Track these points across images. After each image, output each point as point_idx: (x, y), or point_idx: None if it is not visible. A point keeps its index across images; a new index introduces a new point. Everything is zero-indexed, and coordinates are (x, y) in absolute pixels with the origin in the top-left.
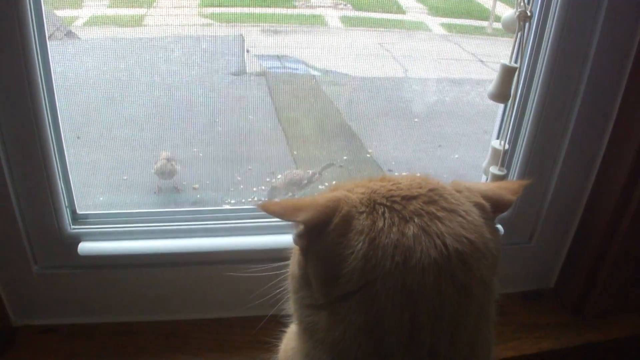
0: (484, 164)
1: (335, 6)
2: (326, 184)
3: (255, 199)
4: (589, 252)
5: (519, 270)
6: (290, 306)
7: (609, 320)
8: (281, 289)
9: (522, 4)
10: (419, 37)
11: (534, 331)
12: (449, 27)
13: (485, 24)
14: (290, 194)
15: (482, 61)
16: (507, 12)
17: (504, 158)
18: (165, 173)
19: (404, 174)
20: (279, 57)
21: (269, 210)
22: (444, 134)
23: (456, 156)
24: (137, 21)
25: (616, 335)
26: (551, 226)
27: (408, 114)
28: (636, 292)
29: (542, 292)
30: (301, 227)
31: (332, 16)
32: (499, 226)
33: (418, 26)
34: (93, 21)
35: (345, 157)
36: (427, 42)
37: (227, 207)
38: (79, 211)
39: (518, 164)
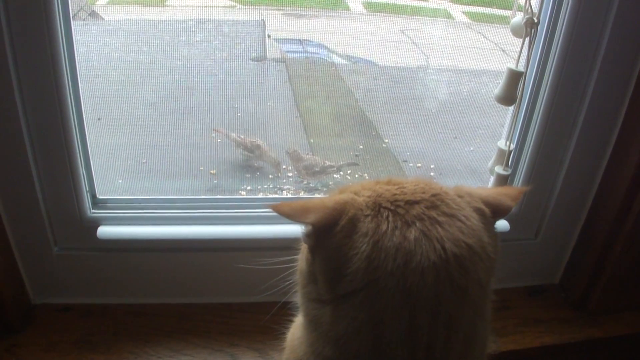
0: (490, 163)
1: None
2: (341, 173)
3: (271, 186)
4: (594, 249)
5: (524, 266)
6: (297, 299)
7: (611, 317)
8: (290, 281)
9: (529, 10)
10: (442, 24)
11: (536, 326)
12: (472, 16)
13: (508, 13)
14: (303, 181)
15: (503, 50)
16: (515, 17)
17: (508, 158)
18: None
19: (410, 178)
20: (300, 41)
21: (279, 211)
22: (460, 126)
23: (471, 148)
24: (160, 1)
25: (618, 332)
26: (557, 224)
27: (425, 105)
28: (639, 290)
29: (547, 287)
30: (309, 227)
31: (355, 1)
32: (505, 222)
33: (440, 14)
34: (116, 0)
35: (361, 147)
36: (450, 29)
37: (243, 193)
38: (99, 196)
39: (525, 164)
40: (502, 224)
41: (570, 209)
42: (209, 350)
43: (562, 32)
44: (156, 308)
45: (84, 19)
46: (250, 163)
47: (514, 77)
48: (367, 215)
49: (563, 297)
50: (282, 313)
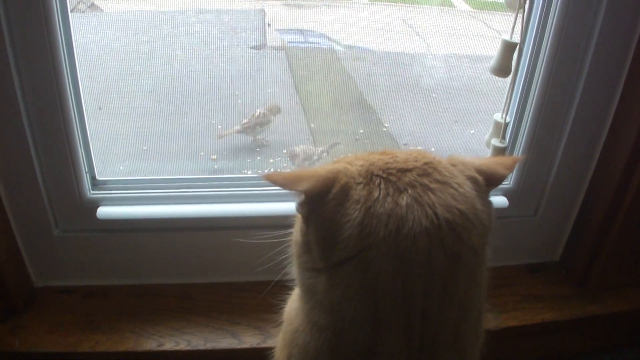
0: (487, 136)
1: None
2: (341, 156)
3: (272, 170)
4: (594, 225)
5: (524, 243)
6: (293, 270)
7: (612, 293)
8: (286, 255)
9: None
10: (443, 13)
11: (537, 302)
12: (473, 3)
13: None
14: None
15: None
16: None
17: (505, 131)
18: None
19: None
20: (301, 31)
21: (272, 180)
22: (461, 110)
23: (472, 132)
24: None
25: (618, 308)
26: (556, 199)
27: (426, 89)
28: (639, 266)
29: (548, 265)
30: (302, 196)
31: None
32: (504, 199)
33: (441, 2)
34: None
35: (361, 131)
36: (452, 18)
37: (243, 175)
38: (98, 177)
39: (524, 138)
40: (500, 200)
41: (570, 184)
42: (210, 328)
43: (559, 2)
44: (157, 288)
45: (83, 12)
46: (262, 137)
47: (509, 49)
48: (359, 183)
49: (564, 274)
50: (279, 290)
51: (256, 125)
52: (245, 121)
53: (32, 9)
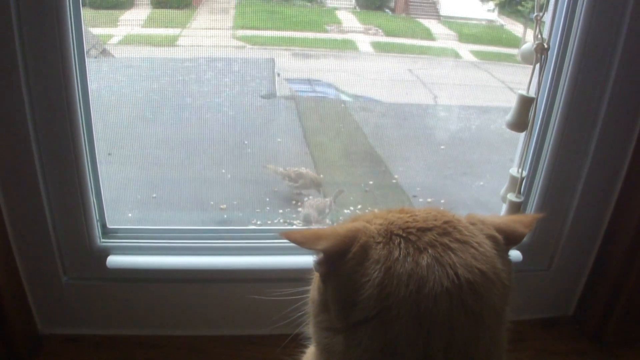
0: (502, 191)
1: (366, 31)
2: (351, 208)
3: (282, 220)
4: (608, 280)
5: (538, 297)
6: (310, 329)
7: (628, 348)
8: (302, 312)
9: (539, 36)
10: (449, 63)
11: (551, 358)
12: (479, 54)
13: (515, 51)
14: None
15: (510, 88)
16: (525, 44)
17: (521, 185)
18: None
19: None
20: (309, 81)
21: (291, 238)
22: (470, 162)
23: (481, 183)
24: (171, 41)
25: None
26: (570, 253)
27: (434, 141)
28: None
29: (561, 319)
30: (321, 255)
31: (364, 41)
32: (518, 252)
33: (448, 53)
34: (128, 40)
35: (371, 182)
36: (457, 68)
37: (253, 227)
38: (109, 225)
39: (537, 192)
40: (514, 254)
41: (584, 238)
42: None
43: (572, 57)
44: (166, 340)
45: (95, 57)
46: (297, 192)
47: (526, 103)
48: (378, 243)
49: (577, 329)
50: (293, 345)
51: (288, 178)
52: (287, 168)
53: (49, 54)
